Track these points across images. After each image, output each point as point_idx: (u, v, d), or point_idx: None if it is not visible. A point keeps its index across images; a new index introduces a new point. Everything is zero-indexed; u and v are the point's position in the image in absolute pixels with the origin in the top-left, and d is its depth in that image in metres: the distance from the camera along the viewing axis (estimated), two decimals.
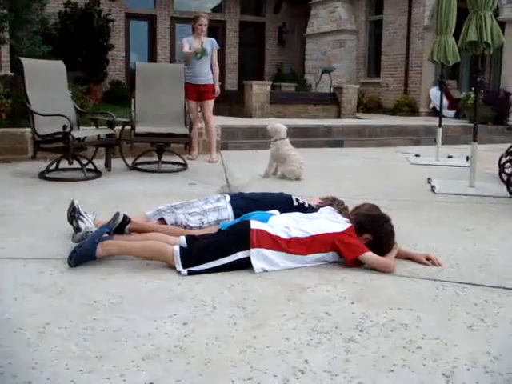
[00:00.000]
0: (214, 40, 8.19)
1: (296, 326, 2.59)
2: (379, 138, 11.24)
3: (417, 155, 9.26)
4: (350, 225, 3.58)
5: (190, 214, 4.00)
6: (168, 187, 5.90)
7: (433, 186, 6.33)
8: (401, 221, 4.16)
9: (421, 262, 3.56)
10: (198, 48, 7.77)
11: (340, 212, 3.92)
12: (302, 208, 4.07)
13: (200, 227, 3.91)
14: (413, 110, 15.28)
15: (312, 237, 3.42)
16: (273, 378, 2.13)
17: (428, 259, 3.57)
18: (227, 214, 4.01)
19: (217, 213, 4.00)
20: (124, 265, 3.38)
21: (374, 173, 7.54)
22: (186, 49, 7.85)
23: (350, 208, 3.98)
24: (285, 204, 4.07)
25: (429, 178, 6.77)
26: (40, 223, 4.28)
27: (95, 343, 2.38)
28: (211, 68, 8.09)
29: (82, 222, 3.74)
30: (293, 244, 3.39)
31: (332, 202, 4.22)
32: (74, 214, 3.78)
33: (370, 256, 3.40)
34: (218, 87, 8.17)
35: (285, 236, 3.40)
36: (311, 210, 4.06)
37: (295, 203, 4.13)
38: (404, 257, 3.62)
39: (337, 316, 2.73)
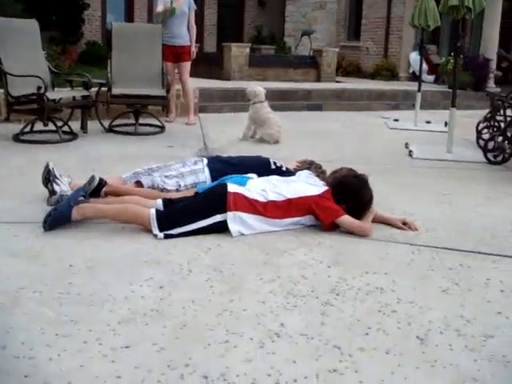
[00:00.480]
0: (191, 0, 8.03)
1: (272, 290, 2.60)
2: (358, 102, 11.20)
3: (395, 120, 9.26)
4: (326, 188, 3.58)
5: (166, 176, 3.96)
6: (145, 150, 5.84)
7: (410, 151, 6.35)
8: (378, 185, 4.15)
9: (397, 227, 3.58)
10: (167, 7, 7.62)
11: (318, 176, 3.92)
12: (280, 171, 4.06)
13: (177, 190, 3.89)
14: (392, 75, 15.21)
15: (289, 200, 3.41)
16: (249, 341, 2.14)
17: (404, 224, 3.59)
18: (204, 177, 3.99)
19: (194, 176, 3.98)
20: (100, 228, 3.35)
21: (352, 137, 7.53)
22: (159, 9, 7.73)
23: (328, 172, 3.98)
24: (262, 167, 4.04)
25: (406, 143, 6.77)
26: (14, 186, 4.21)
27: (71, 307, 2.37)
28: (188, 29, 7.95)
29: (57, 185, 3.69)
30: (269, 207, 3.38)
31: (310, 165, 4.22)
32: (48, 177, 3.73)
33: (346, 219, 3.41)
34: (194, 49, 8.04)
35: (262, 199, 3.39)
36: (289, 173, 4.05)
37: (273, 166, 4.11)
38: (381, 221, 3.64)
39: (313, 280, 2.74)
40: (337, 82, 13.34)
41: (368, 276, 2.82)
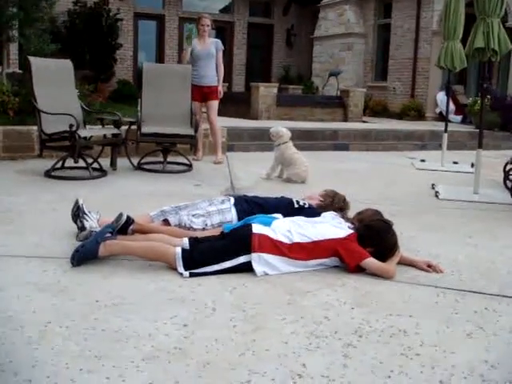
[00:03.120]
0: (218, 41, 8.23)
1: (295, 330, 2.61)
2: (385, 142, 11.25)
3: (422, 160, 9.26)
4: (352, 231, 3.59)
5: (193, 215, 4.01)
6: (173, 188, 5.92)
7: (437, 192, 6.33)
8: (404, 226, 4.17)
9: (422, 269, 3.57)
10: (185, 53, 7.99)
11: (343, 216, 3.93)
12: (303, 210, 4.09)
13: (203, 229, 3.93)
14: (419, 115, 15.26)
15: (314, 242, 3.43)
16: (271, 381, 2.15)
17: (429, 266, 3.58)
18: (231, 216, 4.03)
19: (220, 215, 4.02)
20: (126, 265, 3.40)
21: (378, 177, 7.54)
22: (185, 56, 8.05)
23: (353, 210, 3.99)
24: (286, 207, 4.08)
25: (433, 184, 6.77)
26: (44, 222, 4.30)
27: (96, 343, 2.41)
28: (216, 69, 8.11)
29: (87, 221, 3.77)
30: (294, 249, 3.40)
31: (333, 198, 4.24)
32: (78, 213, 3.81)
33: (371, 262, 3.41)
34: (221, 88, 8.20)
35: (286, 241, 3.41)
36: (312, 210, 4.08)
37: (296, 205, 4.15)
38: (406, 263, 3.63)
39: (336, 321, 2.75)
40: (364, 121, 13.42)
41: (391, 318, 2.81)
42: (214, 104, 8.07)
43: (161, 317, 2.68)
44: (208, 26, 7.96)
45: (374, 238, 3.51)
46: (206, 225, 3.96)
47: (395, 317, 2.83)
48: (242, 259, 3.30)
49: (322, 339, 2.51)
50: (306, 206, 4.18)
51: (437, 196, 6.20)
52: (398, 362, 2.37)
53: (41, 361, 2.23)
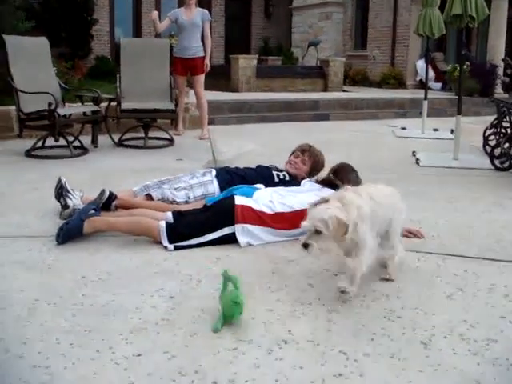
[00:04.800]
0: (205, 11, 7.93)
1: (280, 298, 2.67)
2: (365, 110, 11.28)
3: (403, 128, 9.32)
4: (329, 190, 3.62)
5: (176, 189, 4.04)
6: (155, 163, 5.93)
7: (417, 159, 6.41)
8: None
9: (403, 235, 3.63)
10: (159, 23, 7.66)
11: (321, 181, 3.98)
12: (284, 182, 4.12)
13: (186, 202, 3.96)
14: (400, 83, 15.29)
15: (295, 211, 3.47)
16: (257, 348, 2.21)
17: (410, 232, 3.64)
18: (213, 188, 4.06)
19: (203, 188, 4.05)
20: (111, 241, 3.43)
21: (359, 146, 7.58)
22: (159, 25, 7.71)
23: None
24: (266, 180, 4.11)
25: (414, 151, 6.84)
26: (27, 201, 4.30)
27: (84, 318, 2.45)
28: (203, 41, 7.87)
29: (70, 199, 3.78)
30: (277, 219, 3.45)
31: (303, 151, 4.31)
32: (61, 192, 3.82)
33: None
34: (208, 61, 7.90)
35: (269, 211, 3.45)
36: (293, 181, 4.12)
37: (276, 179, 4.18)
38: None
39: (320, 287, 2.81)
40: (344, 91, 13.42)
41: (374, 283, 2.88)
42: (200, 78, 7.85)
43: (147, 290, 2.72)
44: None
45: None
46: (189, 198, 3.99)
47: (377, 282, 2.90)
48: (225, 230, 3.35)
49: (306, 306, 2.57)
50: (287, 178, 4.21)
51: (417, 163, 6.27)
52: (381, 324, 2.44)
53: (31, 337, 2.27)
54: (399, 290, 2.81)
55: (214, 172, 4.19)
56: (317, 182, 3.95)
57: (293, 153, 4.38)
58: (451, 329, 2.42)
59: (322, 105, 10.98)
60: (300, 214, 3.46)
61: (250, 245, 3.37)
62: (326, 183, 3.80)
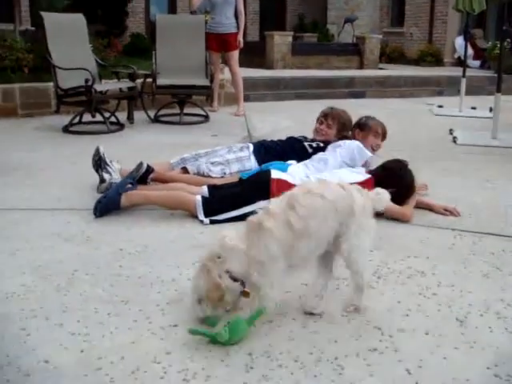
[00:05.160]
0: None
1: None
2: (402, 88, 11.12)
3: (440, 106, 9.17)
4: (369, 176, 3.61)
5: (212, 163, 4.05)
6: (190, 139, 5.96)
7: (455, 137, 6.31)
8: (422, 171, 4.18)
9: (439, 213, 3.60)
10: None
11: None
12: (318, 150, 4.11)
13: (222, 177, 3.98)
14: (437, 60, 15.01)
15: None
16: (292, 321, 2.22)
17: (446, 210, 3.61)
18: (250, 164, 4.06)
19: (239, 164, 4.05)
20: (148, 215, 3.47)
21: (396, 124, 7.45)
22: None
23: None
24: (299, 153, 4.10)
25: (451, 129, 6.73)
26: (65, 176, 4.38)
27: (122, 288, 2.49)
28: (236, 17, 7.85)
29: (108, 173, 3.83)
30: None
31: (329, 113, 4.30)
32: (100, 163, 3.87)
33: (389, 206, 3.43)
34: (240, 37, 7.90)
35: None
36: (325, 147, 4.12)
37: (310, 150, 4.15)
38: (423, 206, 3.67)
39: None
40: (380, 68, 13.25)
41: (409, 260, 2.87)
42: (234, 54, 7.85)
43: (184, 263, 2.76)
44: None
45: (392, 179, 3.52)
46: (225, 173, 4.01)
47: (413, 259, 2.89)
48: (261, 204, 3.35)
49: (341, 281, 2.57)
50: (321, 145, 4.18)
51: (455, 141, 6.17)
52: (416, 301, 2.43)
53: (70, 306, 2.33)
54: (435, 267, 2.79)
55: (251, 147, 4.19)
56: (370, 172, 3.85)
57: (317, 120, 4.34)
58: (487, 307, 2.39)
59: (357, 82, 10.87)
60: None
61: None
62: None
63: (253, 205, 3.35)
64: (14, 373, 1.87)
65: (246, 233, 2.12)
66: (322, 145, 4.18)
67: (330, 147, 4.00)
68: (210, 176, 3.98)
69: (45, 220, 3.39)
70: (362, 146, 3.93)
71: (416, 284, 2.60)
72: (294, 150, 4.17)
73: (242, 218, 3.31)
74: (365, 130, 4.16)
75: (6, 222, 3.33)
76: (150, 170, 3.77)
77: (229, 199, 3.40)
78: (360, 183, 3.49)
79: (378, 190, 2.37)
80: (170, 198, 3.49)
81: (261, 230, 2.09)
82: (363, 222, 2.22)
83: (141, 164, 3.75)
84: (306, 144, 4.22)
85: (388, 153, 4.25)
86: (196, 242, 3.05)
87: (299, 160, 3.90)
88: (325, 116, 4.32)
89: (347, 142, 3.99)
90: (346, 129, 4.29)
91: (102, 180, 3.81)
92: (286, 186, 3.40)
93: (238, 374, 1.88)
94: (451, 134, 6.56)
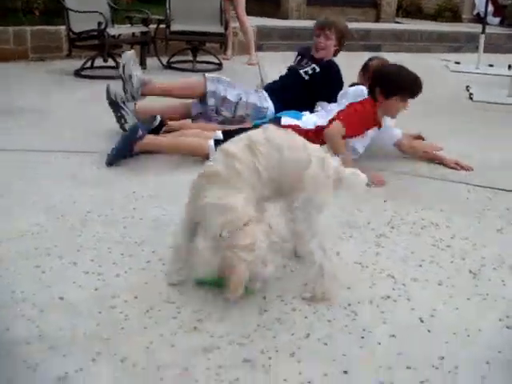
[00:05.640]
0: None
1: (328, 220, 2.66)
2: (418, 43, 10.89)
3: (457, 62, 9.00)
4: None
5: (231, 85, 4.04)
6: None
7: (471, 94, 6.21)
8: (437, 127, 4.14)
9: (451, 167, 3.56)
10: None
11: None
12: (314, 77, 4.07)
13: (234, 111, 3.93)
14: (455, 16, 14.65)
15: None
16: (306, 267, 2.22)
17: (457, 164, 3.57)
18: (267, 104, 4.02)
19: (257, 98, 4.01)
20: (160, 161, 3.45)
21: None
22: None
23: None
24: (296, 82, 4.08)
25: (467, 86, 6.62)
26: (77, 119, 4.35)
27: (135, 230, 2.50)
28: None
29: (122, 116, 3.83)
30: (319, 133, 3.40)
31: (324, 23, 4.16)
32: (113, 106, 3.86)
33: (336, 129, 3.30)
34: None
35: (313, 127, 3.46)
36: (324, 70, 4.07)
37: (306, 78, 4.09)
38: (435, 159, 3.64)
39: (369, 212, 2.79)
40: (396, 22, 12.97)
41: (423, 212, 2.85)
42: (240, 1, 7.67)
43: None
44: None
45: (391, 80, 3.40)
46: (240, 99, 3.96)
47: (427, 211, 2.87)
48: None
49: (355, 229, 2.57)
50: (317, 70, 4.10)
51: (471, 98, 6.08)
52: (430, 252, 2.43)
53: (84, 246, 2.33)
54: (449, 219, 2.78)
55: (265, 93, 4.15)
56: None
57: (314, 34, 4.21)
58: (501, 261, 2.39)
59: (373, 35, 10.65)
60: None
61: None
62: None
63: None
64: (29, 308, 1.89)
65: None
66: (317, 70, 4.08)
67: (339, 97, 3.91)
68: (225, 97, 3.94)
69: (58, 162, 3.38)
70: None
71: (429, 235, 2.59)
72: (292, 80, 4.13)
73: None
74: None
75: (19, 164, 3.32)
76: (163, 123, 3.75)
77: None
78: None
79: (355, 171, 2.11)
80: (183, 144, 3.47)
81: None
82: (312, 195, 1.97)
83: (155, 117, 3.73)
84: (301, 72, 4.13)
85: None
86: None
87: (301, 90, 3.96)
88: (321, 28, 4.14)
89: (352, 89, 3.89)
90: (344, 36, 4.18)
91: (121, 116, 3.82)
92: (296, 130, 3.37)
93: (252, 316, 1.89)
94: (467, 90, 6.45)
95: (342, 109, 3.46)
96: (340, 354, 1.73)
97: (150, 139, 3.50)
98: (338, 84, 4.05)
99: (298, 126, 3.40)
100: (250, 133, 2.04)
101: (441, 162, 3.63)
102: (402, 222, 2.71)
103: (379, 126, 3.42)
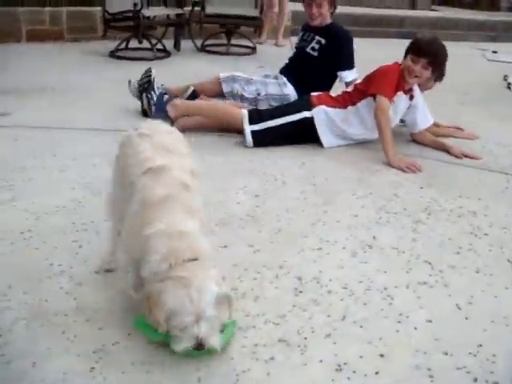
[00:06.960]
0: None
1: (365, 205, 2.64)
2: (454, 31, 10.70)
3: (494, 52, 8.82)
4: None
5: (247, 81, 4.03)
6: (236, 70, 5.83)
7: (509, 84, 6.08)
8: (472, 115, 4.07)
9: (455, 155, 3.46)
10: None
11: None
12: (322, 49, 4.01)
13: (255, 98, 3.95)
14: (493, 5, 14.38)
15: (355, 85, 3.59)
16: (341, 250, 2.21)
17: (463, 155, 3.48)
18: (288, 90, 3.99)
19: (277, 87, 3.99)
20: (195, 141, 3.43)
21: (448, 67, 7.23)
22: None
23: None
24: (307, 60, 4.06)
25: (505, 75, 6.48)
26: (112, 98, 4.37)
27: None
28: None
29: (151, 98, 3.84)
30: (345, 97, 3.51)
31: None
32: (146, 86, 3.88)
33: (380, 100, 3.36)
34: None
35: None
36: (330, 39, 4.02)
37: (315, 54, 4.05)
38: (443, 149, 3.55)
39: (405, 198, 2.76)
40: (432, 10, 12.77)
41: (461, 200, 2.80)
42: None
43: (232, 187, 2.75)
44: None
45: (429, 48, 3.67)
46: (259, 94, 3.95)
47: (464, 199, 2.82)
48: (305, 114, 3.43)
49: (391, 214, 2.54)
50: (323, 42, 4.02)
51: (509, 87, 5.95)
52: (467, 240, 2.39)
53: None
54: (487, 208, 2.73)
55: (284, 78, 4.11)
56: None
57: (304, 6, 4.14)
58: None
59: (408, 23, 10.49)
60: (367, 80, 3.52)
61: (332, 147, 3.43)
62: None
63: (297, 114, 3.44)
64: (66, 282, 1.91)
65: None
66: (323, 42, 4.01)
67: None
68: (242, 96, 3.95)
69: (91, 140, 3.41)
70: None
71: (467, 223, 2.55)
72: (304, 61, 4.09)
73: (286, 129, 3.39)
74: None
75: (54, 141, 3.35)
76: (195, 94, 3.77)
77: (274, 110, 3.61)
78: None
79: None
80: (217, 108, 3.64)
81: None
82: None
83: (188, 86, 3.76)
84: (308, 50, 4.07)
85: (436, 94, 4.10)
86: (244, 167, 3.04)
87: (315, 68, 3.97)
88: None
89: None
90: None
91: (144, 110, 3.84)
92: (326, 96, 3.56)
93: (287, 296, 1.89)
94: (505, 80, 6.32)
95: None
96: (376, 337, 1.71)
97: (183, 101, 3.63)
98: (348, 42, 4.07)
99: (328, 94, 3.61)
100: None
101: (447, 150, 3.52)
102: (439, 208, 2.67)
103: (405, 90, 3.48)
